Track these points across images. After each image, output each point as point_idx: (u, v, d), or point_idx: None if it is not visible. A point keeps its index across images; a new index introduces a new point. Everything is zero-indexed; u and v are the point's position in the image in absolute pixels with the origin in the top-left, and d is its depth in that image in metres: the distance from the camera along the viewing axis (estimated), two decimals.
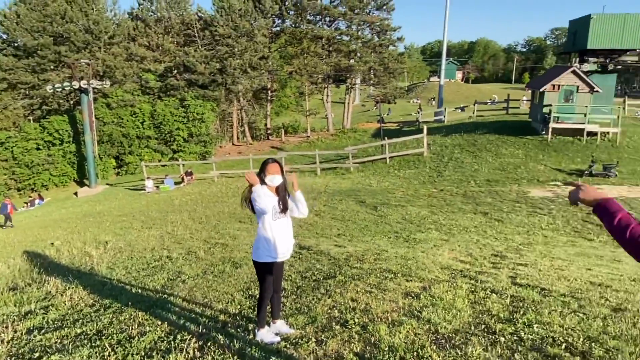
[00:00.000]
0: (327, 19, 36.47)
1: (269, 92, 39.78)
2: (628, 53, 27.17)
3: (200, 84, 35.03)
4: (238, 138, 40.73)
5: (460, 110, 43.82)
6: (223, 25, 33.64)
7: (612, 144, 23.14)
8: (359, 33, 36.16)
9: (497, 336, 3.82)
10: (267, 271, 4.12)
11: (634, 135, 24.00)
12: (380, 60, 36.19)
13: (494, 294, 5.30)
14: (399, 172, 23.32)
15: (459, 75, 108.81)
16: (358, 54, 36.00)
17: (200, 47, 36.19)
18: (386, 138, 26.23)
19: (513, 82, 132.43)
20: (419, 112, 39.64)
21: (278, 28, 38.87)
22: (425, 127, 26.05)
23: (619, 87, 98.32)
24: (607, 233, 12.53)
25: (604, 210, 1.98)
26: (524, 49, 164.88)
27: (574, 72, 23.81)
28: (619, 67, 28.11)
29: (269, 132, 41.25)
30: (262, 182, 4.03)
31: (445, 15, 39.74)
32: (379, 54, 37.34)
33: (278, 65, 38.15)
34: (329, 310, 4.98)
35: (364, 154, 28.03)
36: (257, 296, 4.57)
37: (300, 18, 36.29)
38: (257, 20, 34.47)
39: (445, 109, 35.63)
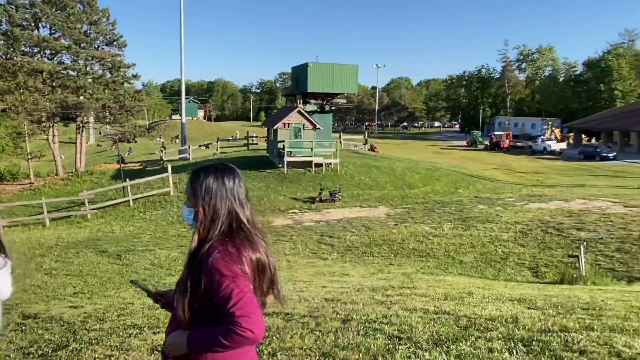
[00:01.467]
0: (48, 51, 32.53)
1: None
2: (339, 96, 32.44)
3: None
4: None
5: (204, 147, 44.66)
6: None
7: (334, 173, 27.00)
8: (88, 68, 33.39)
9: None
10: None
11: (349, 165, 28.57)
12: (115, 98, 34.10)
13: None
14: (144, 215, 22.10)
15: (200, 113, 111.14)
16: (89, 91, 33.14)
17: None
18: (127, 179, 24.64)
19: (251, 120, 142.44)
20: (162, 151, 38.72)
21: None
22: (169, 166, 25.52)
23: (336, 125, 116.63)
24: (337, 251, 14.41)
25: (196, 346, 1.76)
26: (258, 90, 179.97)
27: (299, 112, 27.08)
28: (334, 107, 33.26)
29: None
30: None
31: (181, 54, 40.26)
32: (113, 91, 35.16)
33: None
34: None
35: (103, 198, 25.66)
36: None
37: (12, 49, 31.38)
38: None
39: (189, 146, 35.77)
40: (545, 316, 4.63)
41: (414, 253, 13.65)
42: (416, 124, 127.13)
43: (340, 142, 38.30)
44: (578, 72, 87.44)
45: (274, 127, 27.14)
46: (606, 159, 44.92)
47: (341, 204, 21.98)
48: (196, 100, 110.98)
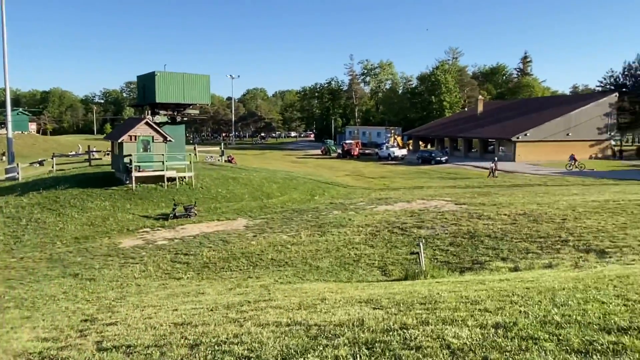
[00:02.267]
0: None
1: None
2: (191, 107, 31.33)
3: None
4: None
5: (38, 165, 39.60)
6: None
7: (189, 187, 25.91)
8: None
9: None
10: None
11: (205, 178, 27.70)
12: None
13: None
14: None
15: (32, 127, 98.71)
16: None
17: None
18: None
19: (95, 132, 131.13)
20: None
21: None
22: None
23: (191, 136, 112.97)
24: (193, 269, 13.76)
25: None
26: (102, 100, 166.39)
27: (147, 123, 25.48)
28: (186, 118, 32.03)
29: None
30: None
31: (4, 59, 35.29)
32: None
33: None
34: None
35: None
36: None
37: None
38: None
39: (18, 164, 31.36)
40: (388, 315, 4.86)
41: (273, 263, 13.65)
42: (273, 134, 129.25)
43: (196, 155, 37.06)
44: (413, 85, 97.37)
45: (119, 140, 25.13)
46: (440, 162, 50.50)
47: (198, 219, 21.16)
48: (26, 112, 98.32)
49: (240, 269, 13.39)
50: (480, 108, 66.92)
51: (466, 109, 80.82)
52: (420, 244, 10.98)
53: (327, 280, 11.54)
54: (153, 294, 10.79)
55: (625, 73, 67.99)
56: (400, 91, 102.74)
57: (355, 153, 61.52)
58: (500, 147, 53.43)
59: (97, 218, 21.48)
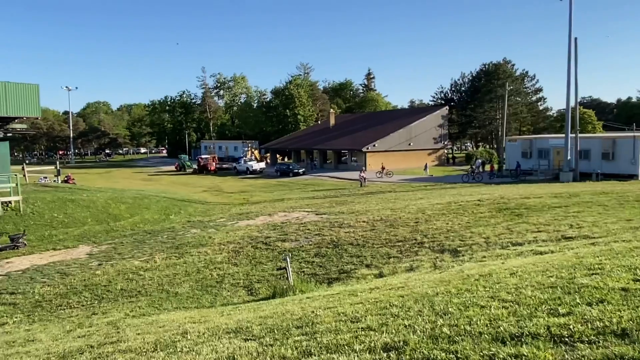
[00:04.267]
0: None
1: None
2: (16, 121, 27.04)
3: None
4: None
5: None
6: None
7: (16, 213, 22.18)
8: None
9: None
10: None
11: (37, 201, 24.04)
12: None
13: None
14: None
15: None
16: None
17: None
18: None
19: None
20: None
21: None
22: None
23: (20, 155, 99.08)
24: (22, 310, 11.45)
25: None
26: None
27: None
28: (10, 134, 27.57)
29: None
30: None
31: None
32: None
33: None
34: None
35: None
36: None
37: None
38: None
39: None
40: (263, 348, 4.21)
41: (123, 294, 12.02)
42: (120, 151, 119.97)
43: (25, 175, 32.20)
44: (268, 99, 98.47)
45: None
46: (297, 174, 51.44)
47: (28, 250, 18.07)
48: None
49: (83, 305, 11.53)
50: (332, 121, 70.10)
51: (319, 122, 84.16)
52: (287, 258, 10.54)
53: (188, 307, 10.44)
54: None
55: (452, 89, 77.32)
56: (255, 105, 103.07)
57: (212, 168, 59.76)
58: (353, 158, 56.38)
59: None
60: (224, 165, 61.87)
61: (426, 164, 49.74)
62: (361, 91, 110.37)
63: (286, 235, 16.66)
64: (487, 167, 47.23)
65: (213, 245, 16.43)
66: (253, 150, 71.00)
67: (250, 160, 61.40)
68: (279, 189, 39.63)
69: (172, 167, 67.52)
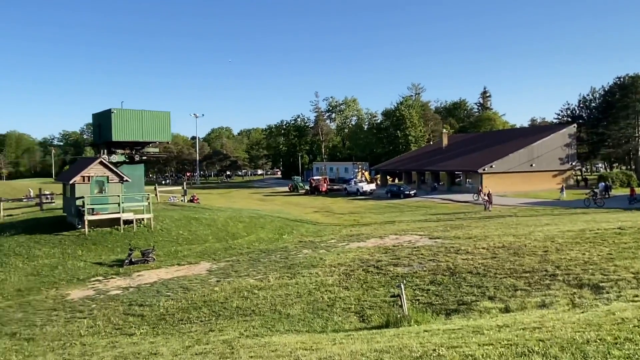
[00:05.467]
0: None
1: None
2: (150, 145, 29.89)
3: None
4: None
5: None
6: None
7: (147, 229, 24.24)
8: None
9: None
10: None
11: (165, 219, 26.09)
12: None
13: None
14: None
15: None
16: None
17: None
18: None
19: (54, 176, 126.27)
20: None
21: None
22: None
23: (153, 177, 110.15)
24: (148, 322, 12.21)
25: None
26: (62, 143, 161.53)
27: (101, 162, 23.93)
28: (145, 157, 30.49)
29: None
30: None
31: None
32: None
33: None
34: None
35: None
36: None
37: None
38: None
39: None
40: None
41: (238, 312, 12.27)
42: (239, 173, 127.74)
43: (156, 195, 35.37)
44: (378, 121, 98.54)
45: (70, 182, 23.38)
46: (409, 196, 50.20)
47: (156, 264, 19.53)
48: None
49: (202, 320, 11.95)
50: (445, 141, 67.81)
51: (431, 143, 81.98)
52: (401, 285, 9.93)
53: (300, 331, 10.28)
54: (98, 357, 9.28)
55: (581, 105, 70.67)
56: (365, 127, 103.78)
57: (324, 189, 60.72)
58: (467, 180, 53.73)
59: (44, 267, 19.54)
60: (335, 187, 62.61)
61: (562, 187, 45.50)
62: (476, 110, 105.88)
63: (398, 259, 15.99)
64: (624, 190, 41.87)
65: (324, 266, 16.31)
66: (363, 171, 71.07)
67: (361, 181, 61.43)
68: (390, 211, 38.87)
69: (286, 188, 69.97)
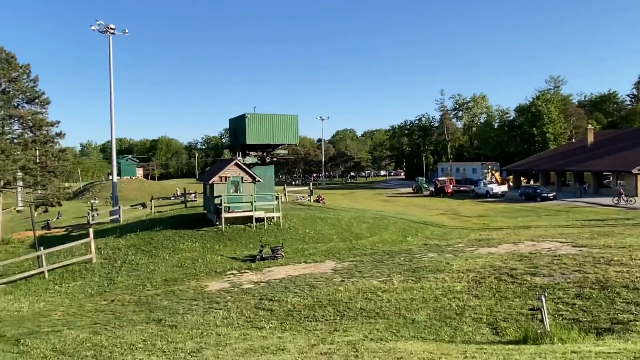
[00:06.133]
0: None
1: None
2: (280, 147, 31.37)
3: None
4: None
5: (141, 207, 41.92)
6: None
7: (277, 227, 25.39)
8: (5, 128, 30.77)
9: None
10: None
11: (293, 218, 27.10)
12: (37, 158, 31.44)
13: None
14: (60, 287, 19.43)
15: (140, 172, 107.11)
16: (4, 152, 30.25)
17: None
18: (42, 248, 21.87)
19: (197, 177, 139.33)
20: (89, 214, 35.69)
21: None
22: (91, 230, 23.01)
23: (282, 177, 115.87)
24: (277, 317, 12.67)
25: None
26: (204, 146, 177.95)
27: (236, 164, 25.65)
28: (275, 159, 32.07)
29: None
30: None
31: (111, 112, 38.55)
32: (39, 152, 32.48)
33: None
34: None
35: (17, 269, 22.67)
36: None
37: None
38: None
39: (120, 207, 33.22)
40: None
41: (362, 314, 12.14)
42: (363, 174, 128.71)
43: (285, 195, 36.98)
44: (511, 118, 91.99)
45: (210, 182, 25.46)
46: (547, 199, 46.00)
47: (284, 260, 20.32)
48: (135, 159, 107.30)
49: (326, 319, 12.05)
50: (590, 138, 60.85)
51: (573, 140, 74.23)
52: (542, 298, 8.94)
53: (426, 339, 9.81)
54: (231, 347, 9.79)
55: None
56: (496, 124, 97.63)
57: (449, 190, 58.36)
58: (618, 181, 47.59)
59: (186, 260, 21.47)
60: (462, 188, 59.82)
61: None
62: (628, 102, 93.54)
63: (536, 268, 14.57)
64: None
65: (451, 272, 15.50)
66: (493, 172, 66.92)
67: (491, 182, 57.91)
68: (524, 215, 35.93)
69: (410, 189, 68.68)
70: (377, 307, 12.56)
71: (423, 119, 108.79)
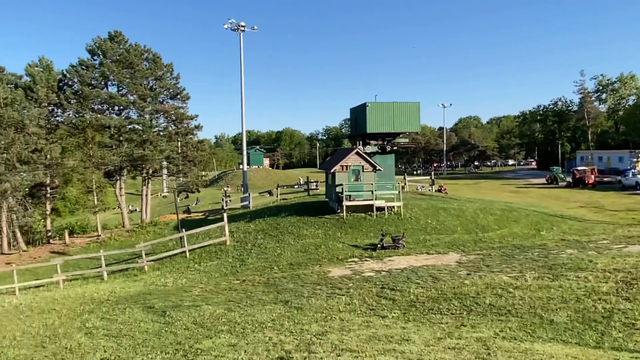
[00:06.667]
0: (115, 107, 34.12)
1: (48, 188, 34.58)
2: (400, 135, 30.84)
3: None
4: (10, 245, 33.85)
5: (268, 195, 44.39)
6: None
7: (397, 217, 25.04)
8: (153, 122, 34.55)
9: None
10: None
11: (414, 208, 26.51)
12: (179, 149, 34.88)
13: None
14: (199, 266, 21.32)
15: (266, 162, 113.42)
16: (152, 143, 34.08)
17: None
18: (184, 229, 24.20)
19: (318, 166, 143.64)
20: (223, 200, 38.69)
21: (59, 118, 34.89)
22: (225, 215, 24.85)
23: (402, 166, 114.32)
24: (399, 307, 12.49)
25: None
26: (324, 137, 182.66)
27: (357, 153, 25.75)
28: (395, 148, 31.63)
29: (49, 234, 35.35)
30: None
31: (241, 105, 41.01)
32: (181, 143, 36.08)
33: (59, 158, 33.47)
34: None
35: (163, 248, 25.40)
36: None
37: (82, 107, 33.17)
38: (28, 110, 30.35)
39: (249, 194, 35.43)
40: None
41: (491, 310, 11.43)
42: (488, 163, 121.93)
43: (405, 184, 36.36)
44: None
45: (332, 171, 25.92)
46: None
47: (405, 250, 19.98)
48: (262, 150, 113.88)
49: (452, 313, 11.56)
50: None
51: None
52: None
53: (567, 342, 8.89)
54: (355, 333, 9.86)
55: None
56: None
57: (590, 181, 52.55)
58: None
59: (310, 245, 22.16)
60: (605, 179, 53.48)
61: None
62: None
63: None
64: None
65: (595, 271, 13.91)
66: None
67: None
68: None
69: (542, 180, 63.30)
70: (508, 304, 11.73)
71: (559, 102, 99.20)
